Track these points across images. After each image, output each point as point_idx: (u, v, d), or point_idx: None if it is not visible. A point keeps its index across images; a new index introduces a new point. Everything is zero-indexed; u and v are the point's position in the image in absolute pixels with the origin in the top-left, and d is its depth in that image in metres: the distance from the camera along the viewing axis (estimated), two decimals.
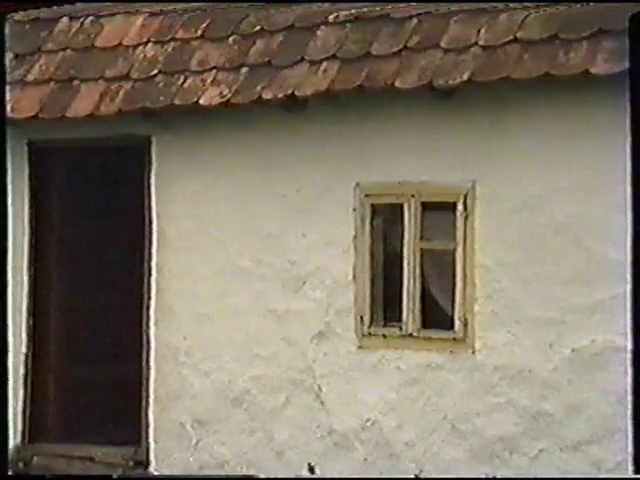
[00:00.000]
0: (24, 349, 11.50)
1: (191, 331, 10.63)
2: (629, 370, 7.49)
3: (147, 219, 10.85)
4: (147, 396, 10.82)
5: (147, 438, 10.82)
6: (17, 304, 11.43)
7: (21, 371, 11.46)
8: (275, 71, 9.94)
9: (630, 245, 5.42)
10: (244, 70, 10.10)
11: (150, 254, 10.87)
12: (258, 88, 9.92)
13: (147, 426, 10.82)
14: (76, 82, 10.82)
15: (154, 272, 10.85)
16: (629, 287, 5.65)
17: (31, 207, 11.56)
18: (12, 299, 11.03)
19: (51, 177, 11.64)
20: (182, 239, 10.72)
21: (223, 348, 10.46)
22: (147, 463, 10.81)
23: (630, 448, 6.89)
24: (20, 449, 11.45)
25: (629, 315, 5.40)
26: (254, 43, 10.17)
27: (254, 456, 10.28)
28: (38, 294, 11.61)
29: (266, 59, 10.04)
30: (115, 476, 10.00)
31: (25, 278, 11.55)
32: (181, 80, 10.33)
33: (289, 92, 9.76)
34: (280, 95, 9.80)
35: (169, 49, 10.55)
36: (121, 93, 10.56)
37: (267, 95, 9.86)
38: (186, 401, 10.62)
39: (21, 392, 11.45)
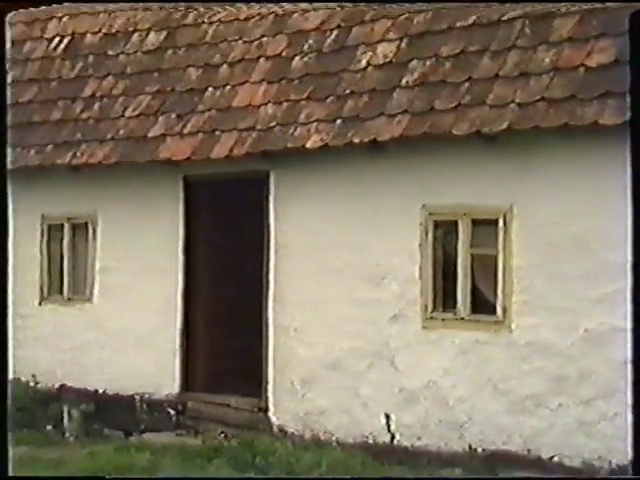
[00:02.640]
0: (179, 326, 11.15)
1: (298, 314, 10.24)
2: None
3: (266, 232, 10.49)
4: (267, 361, 10.46)
5: (267, 392, 10.46)
6: (173, 295, 11.18)
7: (177, 342, 11.14)
8: (362, 122, 9.55)
9: (630, 249, 4.77)
10: (339, 122, 9.71)
11: (269, 258, 10.48)
12: (349, 135, 9.57)
13: (267, 383, 10.45)
14: (217, 132, 10.52)
15: (271, 271, 10.46)
16: (629, 285, 5.03)
17: (185, 224, 11.21)
18: (169, 293, 11.21)
19: (199, 202, 11.30)
20: (292, 247, 10.33)
21: (322, 326, 10.07)
22: (267, 409, 10.44)
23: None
24: (179, 396, 11.14)
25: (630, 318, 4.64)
26: (346, 102, 9.78)
27: (345, 407, 9.86)
28: (190, 288, 11.24)
29: (355, 114, 9.65)
30: (108, 477, 8.76)
31: (180, 277, 11.19)
32: (292, 129, 9.99)
33: (372, 138, 9.41)
34: (365, 140, 9.45)
35: (284, 107, 10.20)
36: (249, 140, 10.24)
37: (356, 140, 9.51)
38: (295, 365, 10.26)
39: (178, 357, 11.15)
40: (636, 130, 4.14)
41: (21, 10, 12.91)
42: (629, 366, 6.40)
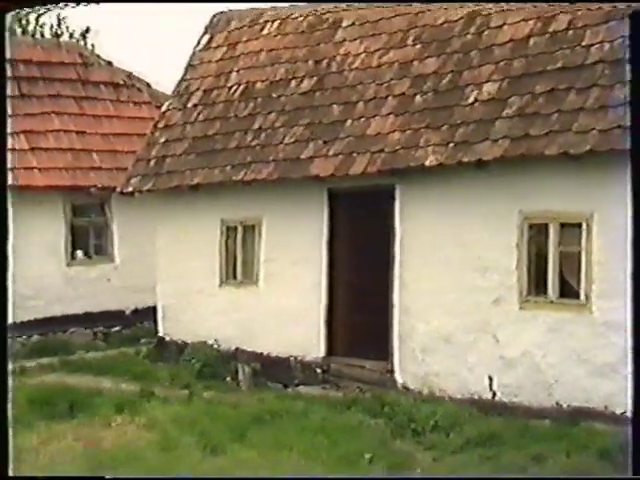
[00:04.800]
0: (324, 304, 11.00)
1: (418, 297, 9.96)
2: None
3: (392, 232, 10.21)
4: (393, 334, 10.20)
5: (393, 357, 10.20)
6: (319, 281, 11.03)
7: (323, 317, 10.99)
8: (470, 146, 9.19)
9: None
10: (451, 145, 9.37)
11: (394, 252, 10.20)
12: (459, 155, 9.23)
13: (393, 350, 10.20)
14: (354, 154, 10.29)
15: (397, 263, 10.18)
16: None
17: (329, 225, 11.03)
18: (316, 279, 11.03)
19: (340, 208, 11.07)
20: (413, 244, 10.03)
21: (437, 307, 9.76)
22: (392, 371, 10.20)
23: None
24: (324, 359, 10.96)
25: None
26: (457, 130, 9.44)
27: (455, 370, 9.58)
28: (333, 275, 11.05)
29: (464, 139, 9.29)
30: (108, 477, 7.17)
31: (325, 266, 11.01)
32: (414, 152, 9.69)
33: (478, 158, 9.06)
34: (473, 159, 9.10)
35: (407, 134, 9.86)
36: (379, 160, 10.01)
37: (465, 159, 9.17)
38: (415, 337, 9.98)
39: (323, 329, 10.98)
40: (637, 128, 3.64)
41: (211, 65, 12.96)
42: None
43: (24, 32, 22.73)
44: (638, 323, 3.83)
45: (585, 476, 7.04)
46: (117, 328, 14.55)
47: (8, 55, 4.30)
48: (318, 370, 10.91)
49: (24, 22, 23.14)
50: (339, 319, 11.02)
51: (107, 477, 6.95)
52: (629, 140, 4.97)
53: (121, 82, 15.55)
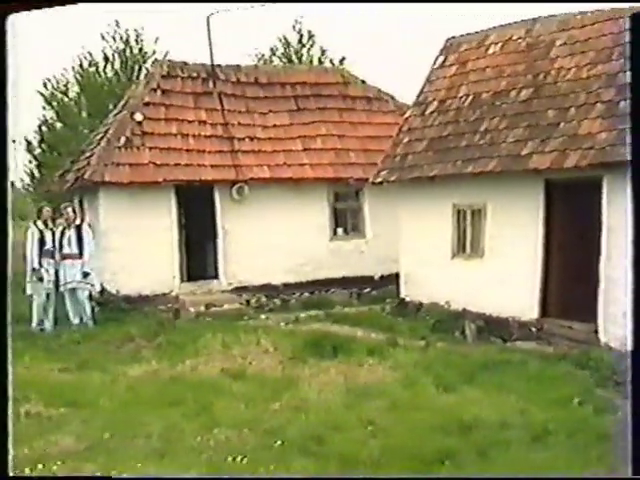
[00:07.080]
0: (539, 274, 10.91)
1: (620, 269, 9.37)
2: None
3: (600, 216, 9.93)
4: (598, 300, 10.02)
5: (597, 320, 10.11)
6: (535, 254, 10.87)
7: (538, 285, 10.90)
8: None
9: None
10: None
11: (601, 232, 9.97)
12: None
13: (598, 314, 10.11)
14: (568, 151, 10.19)
15: (604, 241, 9.88)
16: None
17: (545, 208, 10.89)
18: (533, 252, 10.88)
19: (554, 196, 10.91)
20: (617, 226, 9.54)
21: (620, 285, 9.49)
22: (597, 332, 10.06)
23: None
24: (538, 320, 10.91)
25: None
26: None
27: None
28: (547, 250, 10.92)
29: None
30: (114, 476, 5.93)
31: (540, 243, 10.93)
32: (618, 148, 9.39)
33: None
34: None
35: (614, 134, 9.70)
36: (589, 155, 9.81)
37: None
38: (617, 303, 9.55)
39: (537, 294, 10.86)
40: (638, 131, 3.25)
41: (445, 80, 13.28)
42: None
43: (300, 61, 25.22)
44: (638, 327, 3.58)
45: (585, 476, 6.06)
46: (367, 290, 15.35)
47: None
48: (533, 329, 10.95)
49: (299, 55, 25.84)
50: (552, 286, 11.01)
51: (112, 477, 5.96)
52: (630, 143, 4.80)
53: (372, 96, 16.52)
